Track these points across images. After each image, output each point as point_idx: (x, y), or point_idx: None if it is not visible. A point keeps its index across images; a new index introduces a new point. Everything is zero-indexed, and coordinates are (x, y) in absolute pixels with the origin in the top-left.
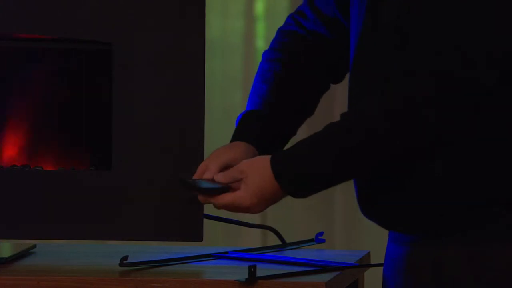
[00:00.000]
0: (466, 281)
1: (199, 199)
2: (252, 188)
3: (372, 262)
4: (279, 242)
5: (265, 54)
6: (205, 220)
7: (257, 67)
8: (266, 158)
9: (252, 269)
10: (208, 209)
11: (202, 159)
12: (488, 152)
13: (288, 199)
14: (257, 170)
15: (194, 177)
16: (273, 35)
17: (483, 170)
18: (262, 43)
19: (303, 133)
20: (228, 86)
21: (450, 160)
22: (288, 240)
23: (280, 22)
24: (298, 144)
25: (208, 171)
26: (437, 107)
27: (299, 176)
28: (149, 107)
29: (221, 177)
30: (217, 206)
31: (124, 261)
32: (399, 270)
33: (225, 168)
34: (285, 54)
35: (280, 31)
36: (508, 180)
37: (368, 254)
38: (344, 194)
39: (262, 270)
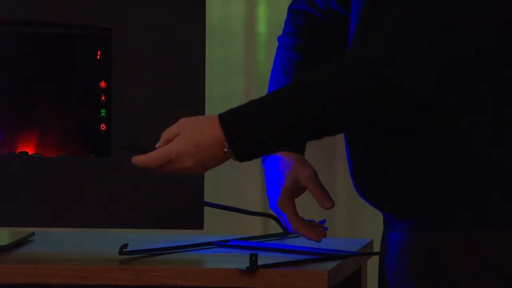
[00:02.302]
0: (457, 269)
1: (132, 160)
2: (186, 136)
3: (375, 250)
4: (280, 230)
5: (281, 39)
6: (206, 208)
7: (259, 52)
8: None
9: (254, 258)
10: (209, 197)
11: None
12: (476, 139)
13: None
14: (196, 120)
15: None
16: (274, 19)
17: (470, 157)
18: (263, 28)
19: None
20: (228, 73)
21: (438, 146)
22: None
23: (282, 5)
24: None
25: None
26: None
27: (247, 120)
28: (148, 94)
29: (158, 143)
30: (150, 163)
31: (124, 250)
32: (393, 257)
33: None
34: (303, 39)
35: (292, 11)
36: (497, 168)
37: (371, 242)
38: (346, 181)
39: (264, 258)
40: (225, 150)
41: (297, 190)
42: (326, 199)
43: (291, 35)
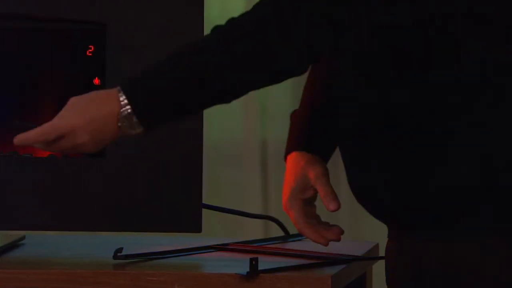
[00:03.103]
0: (442, 277)
1: (15, 140)
2: (78, 110)
3: (380, 255)
4: (282, 234)
5: None
6: (204, 211)
7: None
8: None
9: (254, 262)
10: (208, 199)
11: (200, 145)
12: (459, 144)
13: None
14: (85, 96)
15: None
16: None
17: (455, 163)
18: None
19: None
20: None
21: (431, 146)
22: (291, 231)
23: None
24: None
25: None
26: None
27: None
28: None
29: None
30: (39, 137)
31: (119, 253)
32: (386, 265)
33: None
34: None
35: None
36: (495, 170)
37: (377, 245)
38: None
39: (264, 263)
40: (119, 124)
41: (307, 190)
42: (332, 200)
43: None
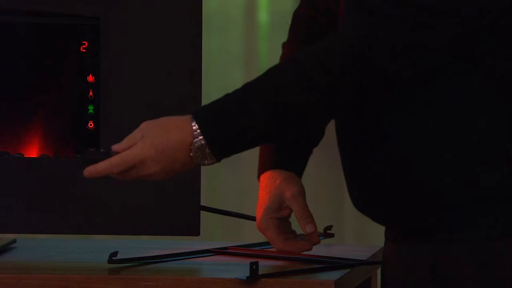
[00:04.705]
0: (467, 279)
1: (84, 173)
2: (150, 139)
3: None
4: None
5: (286, 47)
6: (203, 213)
7: (260, 43)
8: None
9: (254, 266)
10: (206, 201)
11: None
12: (466, 148)
13: None
14: (159, 123)
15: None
16: (276, 6)
17: (462, 165)
18: (264, 16)
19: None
20: (227, 64)
21: (429, 153)
22: None
23: None
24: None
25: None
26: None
27: (225, 116)
28: (140, 89)
29: (118, 145)
30: (111, 169)
31: (114, 258)
32: (382, 266)
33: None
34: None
35: (295, 15)
36: (488, 177)
37: (381, 249)
38: None
39: (265, 267)
40: (191, 154)
41: (282, 209)
42: (308, 222)
43: (293, 45)
